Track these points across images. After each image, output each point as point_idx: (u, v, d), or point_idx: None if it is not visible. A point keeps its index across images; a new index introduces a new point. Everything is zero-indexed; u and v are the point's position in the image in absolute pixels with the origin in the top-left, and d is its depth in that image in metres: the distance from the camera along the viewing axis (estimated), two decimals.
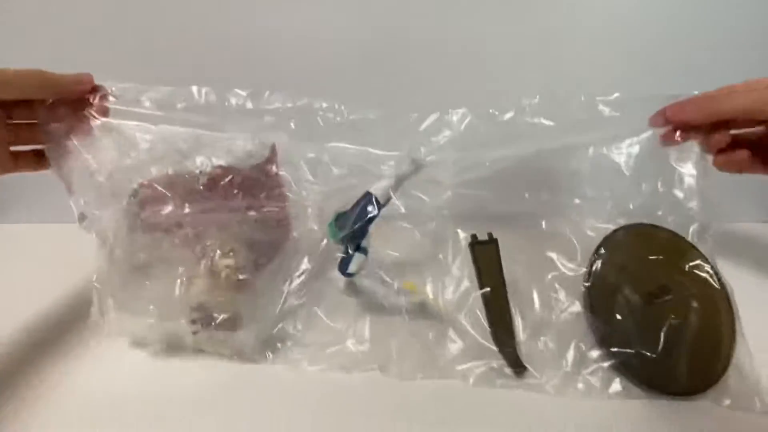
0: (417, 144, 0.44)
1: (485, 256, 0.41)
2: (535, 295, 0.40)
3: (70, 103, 0.39)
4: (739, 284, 0.41)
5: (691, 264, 0.39)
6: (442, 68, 0.55)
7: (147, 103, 0.41)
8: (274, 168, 0.42)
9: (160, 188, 0.37)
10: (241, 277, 0.35)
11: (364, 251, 0.39)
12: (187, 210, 0.36)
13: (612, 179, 0.42)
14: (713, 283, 0.38)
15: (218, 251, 0.35)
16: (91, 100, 0.40)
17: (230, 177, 0.40)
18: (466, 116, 0.44)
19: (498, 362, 0.37)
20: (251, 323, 0.35)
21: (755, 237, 0.55)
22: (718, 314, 0.37)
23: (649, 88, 0.39)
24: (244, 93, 0.44)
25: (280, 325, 0.38)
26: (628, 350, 0.36)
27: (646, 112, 0.39)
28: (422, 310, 0.39)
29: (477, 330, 0.39)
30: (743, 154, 0.37)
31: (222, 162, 0.41)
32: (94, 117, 0.40)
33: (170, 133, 0.41)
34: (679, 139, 0.37)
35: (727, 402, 0.34)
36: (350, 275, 0.38)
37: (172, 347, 0.36)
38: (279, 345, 0.38)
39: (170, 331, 0.34)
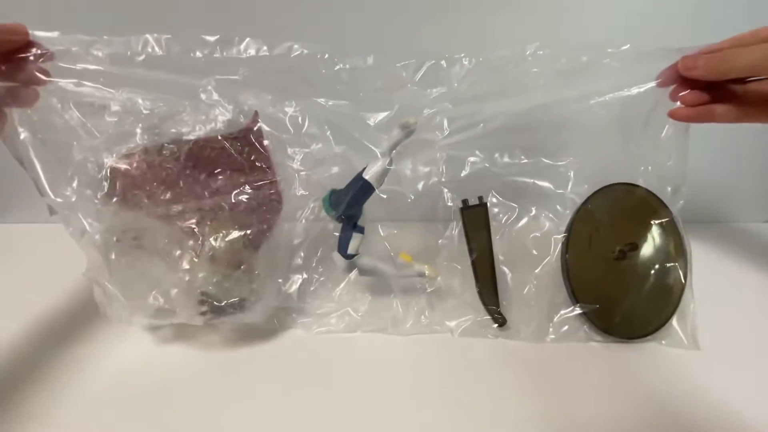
0: (410, 97, 0.42)
1: (475, 220, 0.43)
2: (519, 255, 0.43)
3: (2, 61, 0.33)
4: (740, 284, 0.47)
5: (658, 222, 0.43)
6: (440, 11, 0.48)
7: (99, 59, 0.35)
8: (257, 138, 0.38)
9: (135, 172, 0.34)
10: (240, 260, 0.35)
11: (361, 230, 0.40)
12: (169, 196, 0.34)
13: (604, 134, 0.43)
14: (675, 240, 0.42)
15: (214, 239, 0.35)
16: (29, 59, 0.33)
17: (211, 151, 0.37)
18: (465, 65, 0.41)
19: (483, 317, 0.42)
20: (257, 303, 0.37)
21: (755, 237, 0.57)
22: (675, 269, 0.42)
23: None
24: (211, 39, 0.38)
25: (284, 299, 0.41)
26: (593, 305, 0.41)
27: (652, 66, 0.38)
28: (419, 279, 0.42)
29: (465, 289, 0.43)
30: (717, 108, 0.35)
31: (199, 133, 0.38)
32: (36, 80, 0.34)
33: (135, 102, 0.36)
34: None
35: (665, 341, 0.41)
36: (351, 257, 0.39)
37: (183, 327, 0.38)
38: (285, 316, 0.40)
39: (179, 318, 0.35)
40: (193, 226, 0.34)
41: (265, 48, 0.39)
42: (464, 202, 0.43)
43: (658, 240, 0.43)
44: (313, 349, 0.39)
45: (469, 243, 0.43)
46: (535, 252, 0.44)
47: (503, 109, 0.42)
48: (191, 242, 0.34)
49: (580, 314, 0.41)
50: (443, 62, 0.41)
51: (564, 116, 0.44)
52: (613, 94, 0.40)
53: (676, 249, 0.42)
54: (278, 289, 0.40)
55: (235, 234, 0.35)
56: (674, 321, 0.41)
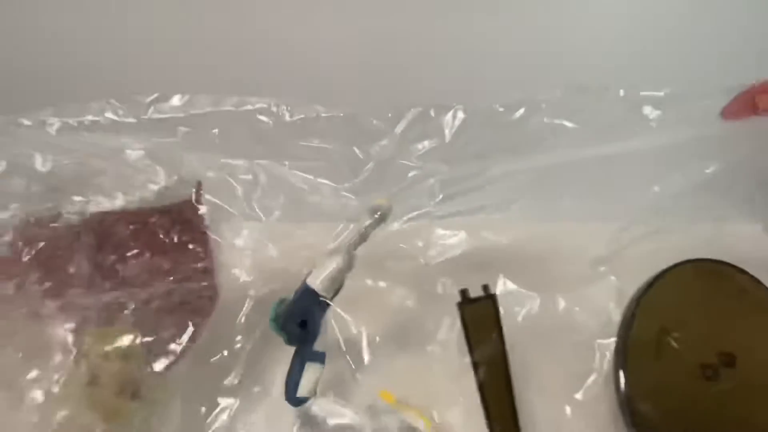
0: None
1: (479, 319, 0.30)
2: (548, 371, 0.30)
3: None
4: None
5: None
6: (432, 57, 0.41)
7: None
8: (194, 212, 0.30)
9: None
10: (135, 387, 0.25)
11: (320, 358, 0.28)
12: (48, 285, 0.26)
13: (663, 203, 0.31)
14: None
15: (97, 353, 0.24)
16: None
17: (126, 227, 0.29)
18: (460, 114, 0.32)
19: None
20: None
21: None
22: None
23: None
24: (146, 100, 0.32)
25: None
26: None
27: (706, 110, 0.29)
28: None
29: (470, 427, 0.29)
30: None
31: (117, 203, 0.30)
32: None
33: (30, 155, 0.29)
34: None
35: None
36: (301, 402, 0.27)
37: None
38: None
39: None
40: (69, 332, 0.24)
41: (209, 103, 0.32)
42: (463, 293, 0.31)
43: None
44: None
45: (472, 353, 0.30)
46: (574, 369, 0.30)
47: (516, 168, 0.32)
48: (59, 358, 0.24)
49: None
50: (432, 114, 0.33)
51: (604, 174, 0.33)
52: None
53: None
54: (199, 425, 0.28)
55: (136, 348, 0.25)
56: None
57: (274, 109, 0.32)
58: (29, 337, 0.24)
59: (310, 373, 0.28)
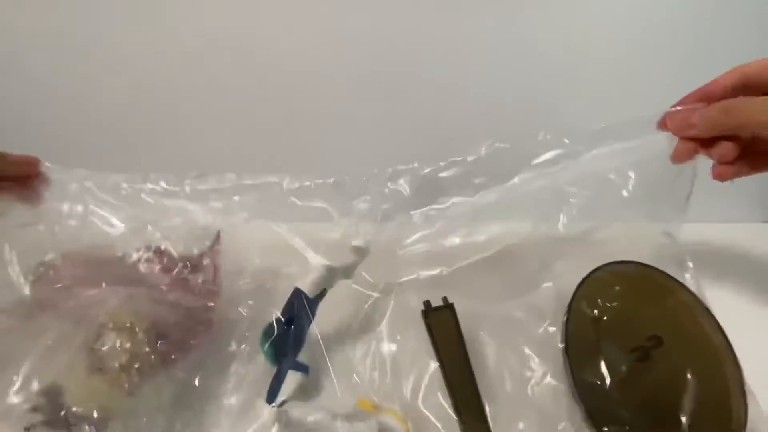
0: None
1: (442, 325, 0.36)
2: (506, 366, 0.34)
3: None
4: (740, 286, 0.41)
5: (680, 305, 0.34)
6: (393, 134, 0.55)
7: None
8: (213, 254, 0.39)
9: (69, 264, 0.35)
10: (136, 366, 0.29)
11: (303, 369, 0.32)
12: (83, 285, 0.33)
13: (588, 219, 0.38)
14: (709, 327, 0.32)
15: (110, 324, 0.30)
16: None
17: (156, 257, 0.38)
18: (417, 173, 0.42)
19: None
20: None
21: (755, 237, 0.50)
22: (720, 365, 0.31)
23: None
24: (190, 175, 0.44)
25: None
26: (624, 427, 0.29)
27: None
28: None
29: (442, 420, 0.32)
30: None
31: (161, 246, 0.40)
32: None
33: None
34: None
35: None
36: (280, 405, 0.30)
37: None
38: None
39: None
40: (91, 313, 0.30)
41: (234, 179, 0.44)
42: (426, 303, 0.37)
43: (685, 329, 0.33)
44: None
45: (437, 354, 0.35)
46: (525, 362, 0.34)
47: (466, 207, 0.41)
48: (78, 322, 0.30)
49: None
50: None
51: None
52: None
53: (714, 339, 0.32)
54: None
55: (144, 333, 0.31)
56: None
57: (281, 181, 0.44)
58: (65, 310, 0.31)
59: (292, 381, 0.31)
